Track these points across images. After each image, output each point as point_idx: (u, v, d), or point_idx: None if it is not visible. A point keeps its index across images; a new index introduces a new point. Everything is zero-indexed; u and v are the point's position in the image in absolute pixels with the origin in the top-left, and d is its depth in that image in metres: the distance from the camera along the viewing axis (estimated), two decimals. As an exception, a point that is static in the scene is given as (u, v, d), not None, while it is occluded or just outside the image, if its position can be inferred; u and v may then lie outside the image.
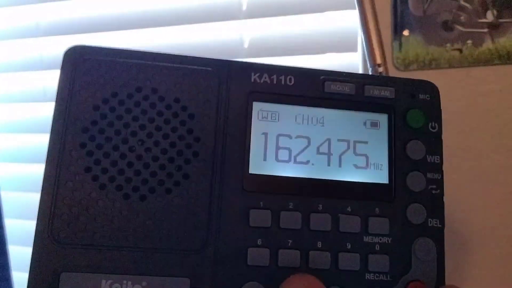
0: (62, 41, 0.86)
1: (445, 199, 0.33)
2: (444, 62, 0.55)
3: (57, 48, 0.87)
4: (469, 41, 0.56)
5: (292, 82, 0.33)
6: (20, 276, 0.85)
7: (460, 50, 0.55)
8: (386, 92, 0.34)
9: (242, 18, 0.75)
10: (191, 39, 0.77)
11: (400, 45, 0.58)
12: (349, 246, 0.31)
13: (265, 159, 0.32)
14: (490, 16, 0.56)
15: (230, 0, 0.75)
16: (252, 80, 0.33)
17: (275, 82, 0.33)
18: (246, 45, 0.75)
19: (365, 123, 0.34)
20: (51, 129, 0.30)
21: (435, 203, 0.33)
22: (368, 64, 0.38)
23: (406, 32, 0.56)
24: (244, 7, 0.75)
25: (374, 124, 0.34)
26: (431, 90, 0.35)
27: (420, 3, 0.58)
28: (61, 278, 0.28)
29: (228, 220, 0.31)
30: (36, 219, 0.29)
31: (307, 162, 0.33)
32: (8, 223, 0.87)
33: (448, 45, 0.56)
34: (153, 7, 0.79)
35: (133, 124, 0.31)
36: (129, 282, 0.29)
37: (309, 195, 0.32)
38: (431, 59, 0.56)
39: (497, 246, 0.52)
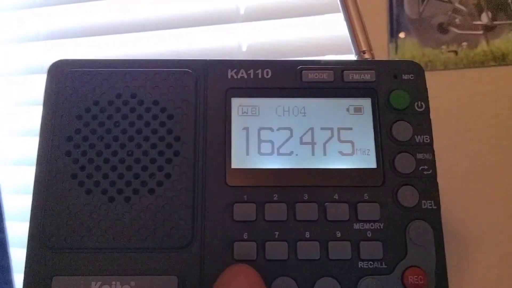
0: (63, 46, 0.88)
1: (440, 180, 0.32)
2: (440, 64, 0.55)
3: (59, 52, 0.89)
4: (464, 43, 0.56)
5: (269, 75, 0.33)
6: (22, 278, 0.87)
7: (456, 52, 0.56)
8: (367, 76, 0.33)
9: (240, 21, 0.75)
10: (189, 43, 0.78)
11: (396, 47, 0.58)
12: (338, 235, 0.30)
13: (247, 154, 0.32)
14: (485, 18, 0.56)
15: (227, 4, 0.76)
16: (229, 76, 0.33)
17: (252, 76, 0.33)
18: (244, 49, 0.75)
19: (348, 109, 0.33)
20: (39, 140, 0.32)
21: (427, 184, 0.31)
22: (354, 52, 0.38)
23: (402, 35, 0.57)
24: (242, 11, 0.75)
25: (358, 109, 0.33)
26: (415, 69, 0.34)
27: (415, 6, 0.58)
28: (53, 282, 0.29)
29: (212, 216, 0.31)
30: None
31: (291, 153, 0.32)
32: (9, 225, 0.89)
33: (444, 47, 0.57)
34: (151, 11, 0.80)
35: (114, 130, 0.32)
36: (118, 283, 0.29)
37: (293, 186, 0.31)
38: (427, 61, 0.56)
39: (493, 246, 0.50)
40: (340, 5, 0.38)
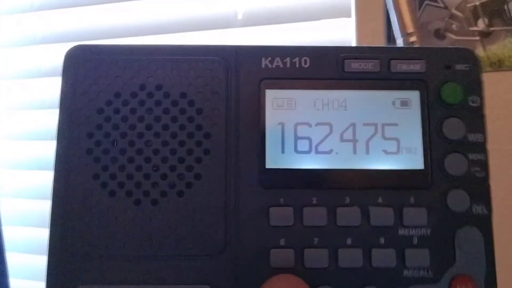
0: (60, 50, 0.86)
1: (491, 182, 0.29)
2: None
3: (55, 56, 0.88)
4: None
5: (308, 64, 0.30)
6: (17, 283, 0.87)
7: None
8: (416, 66, 0.30)
9: (238, 26, 0.74)
10: None
11: None
12: (382, 241, 0.28)
13: (283, 152, 0.30)
14: (481, 24, 0.57)
15: (225, 9, 0.75)
16: (263, 65, 0.30)
17: (288, 65, 0.30)
18: None
19: (394, 103, 0.30)
20: (57, 136, 0.29)
21: (479, 187, 0.29)
22: (399, 34, 0.34)
23: (399, 40, 0.56)
24: (240, 16, 0.74)
25: (405, 103, 0.30)
26: (470, 58, 0.30)
27: (413, 5, 0.56)
28: None
29: (246, 221, 0.28)
30: (38, 227, 0.28)
31: (330, 151, 0.30)
32: (6, 230, 0.87)
33: None
34: (149, 16, 0.79)
35: (139, 125, 0.29)
36: (147, 292, 0.28)
37: (334, 188, 0.29)
38: None
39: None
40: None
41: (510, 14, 0.57)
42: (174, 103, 0.29)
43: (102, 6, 0.82)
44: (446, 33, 0.58)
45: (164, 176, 0.29)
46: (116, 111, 0.29)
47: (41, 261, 0.29)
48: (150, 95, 0.29)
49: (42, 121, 0.90)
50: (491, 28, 0.57)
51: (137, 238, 0.28)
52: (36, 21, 0.90)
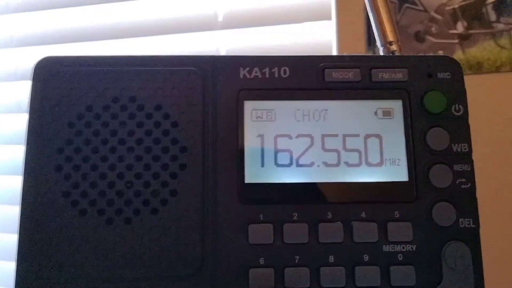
0: (36, 52, 0.85)
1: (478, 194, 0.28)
2: None
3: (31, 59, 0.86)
4: (440, 52, 0.58)
5: (287, 73, 0.29)
6: None
7: None
8: (398, 74, 0.29)
9: (219, 29, 0.74)
10: (167, 51, 0.76)
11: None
12: (366, 258, 0.27)
13: (263, 165, 0.28)
14: (460, 27, 0.58)
15: (206, 11, 0.74)
16: (241, 76, 0.29)
17: (267, 75, 0.29)
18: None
19: (376, 113, 0.29)
20: (25, 152, 0.28)
21: (465, 199, 0.28)
22: (379, 44, 0.34)
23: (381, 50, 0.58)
24: (220, 18, 0.74)
25: (387, 113, 0.29)
26: (452, 66, 0.30)
27: (392, 14, 0.57)
28: None
29: (224, 239, 0.27)
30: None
31: (312, 164, 0.29)
32: None
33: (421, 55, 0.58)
34: (128, 17, 0.78)
35: (111, 139, 0.28)
36: (120, 316, 0.26)
37: (316, 202, 0.28)
38: None
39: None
40: (365, -9, 0.34)
41: (488, 17, 0.57)
42: (149, 116, 0.28)
43: (81, 8, 0.80)
44: (426, 35, 0.59)
45: (137, 193, 0.27)
46: (88, 125, 0.28)
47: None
48: (123, 108, 0.28)
49: (17, 125, 0.88)
50: (470, 31, 0.58)
51: (110, 259, 0.26)
52: (12, 23, 0.88)
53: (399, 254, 0.27)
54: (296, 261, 0.27)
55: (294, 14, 0.69)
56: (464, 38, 0.58)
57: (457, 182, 0.28)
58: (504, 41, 0.56)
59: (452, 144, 0.28)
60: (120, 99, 0.28)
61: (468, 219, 0.28)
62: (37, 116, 0.28)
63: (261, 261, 0.27)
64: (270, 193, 0.28)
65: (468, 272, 0.27)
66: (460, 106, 0.29)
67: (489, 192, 0.53)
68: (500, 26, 0.57)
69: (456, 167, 0.28)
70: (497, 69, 0.54)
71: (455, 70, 0.30)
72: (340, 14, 0.60)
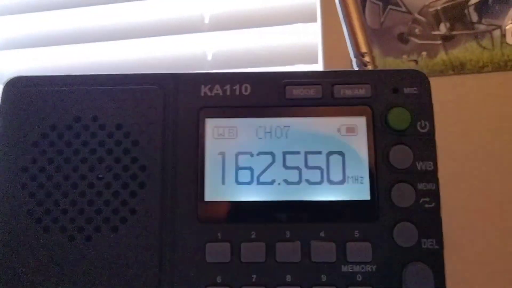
0: (17, 56, 0.82)
1: (442, 214, 0.27)
2: None
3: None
4: (424, 53, 0.57)
5: (248, 91, 0.29)
6: None
7: (416, 61, 0.57)
8: (361, 90, 0.29)
9: (205, 31, 0.73)
10: (153, 53, 0.75)
11: None
12: (324, 279, 0.27)
13: (223, 183, 0.28)
14: (443, 28, 0.58)
15: (192, 13, 0.74)
16: (202, 93, 0.29)
17: (228, 93, 0.29)
18: (209, 58, 0.73)
19: (339, 130, 0.29)
20: None
21: (428, 219, 0.27)
22: (352, 55, 0.33)
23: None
24: (207, 20, 0.73)
25: (351, 130, 0.29)
26: (418, 81, 0.29)
27: (376, 16, 0.60)
28: None
29: (182, 257, 0.27)
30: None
31: (272, 181, 0.28)
32: None
33: (405, 56, 0.58)
34: (114, 20, 0.77)
35: (74, 158, 0.28)
36: (79, 332, 0.27)
37: (275, 221, 0.28)
38: None
39: (475, 252, 0.48)
40: (338, 3, 0.33)
41: (470, 18, 0.56)
42: (110, 135, 0.29)
43: (64, 11, 0.79)
44: (409, 37, 0.58)
45: (98, 211, 0.28)
46: (52, 144, 0.29)
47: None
48: (85, 127, 0.29)
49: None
50: (453, 32, 0.57)
51: (70, 276, 0.27)
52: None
53: (358, 275, 0.27)
54: (253, 280, 0.27)
55: (280, 16, 0.68)
56: (447, 39, 0.57)
57: (420, 201, 0.27)
58: (486, 42, 0.56)
59: (416, 162, 0.28)
60: (82, 119, 0.29)
61: (431, 240, 0.27)
62: (4, 135, 0.29)
63: (218, 279, 0.27)
64: (229, 211, 0.28)
65: None
66: (426, 123, 0.28)
67: (472, 190, 0.52)
68: (482, 27, 0.56)
69: (420, 186, 0.27)
70: (479, 70, 0.54)
71: (423, 84, 0.29)
72: (326, 16, 0.59)
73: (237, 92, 0.29)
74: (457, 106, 0.49)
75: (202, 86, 0.29)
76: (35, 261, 0.27)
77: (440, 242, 0.27)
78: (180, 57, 0.75)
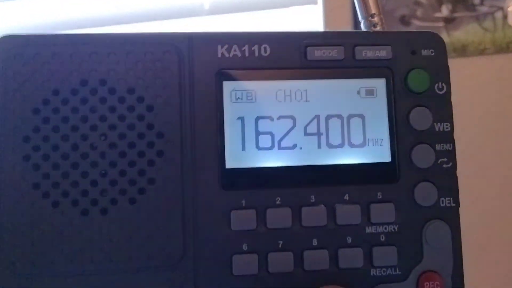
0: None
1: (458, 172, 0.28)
2: None
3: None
4: None
5: (268, 52, 0.28)
6: None
7: None
8: (382, 52, 0.28)
9: (205, 15, 0.72)
10: None
11: None
12: (349, 241, 0.27)
13: (243, 149, 0.27)
14: (445, 11, 0.58)
15: None
16: (219, 54, 0.28)
17: (247, 54, 0.28)
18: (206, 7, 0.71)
19: (359, 92, 0.28)
20: None
21: (447, 178, 0.28)
22: (360, 17, 0.32)
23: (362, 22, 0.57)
24: (207, 6, 0.72)
25: (370, 92, 0.28)
26: (435, 42, 0.29)
27: None
28: None
29: (206, 226, 0.26)
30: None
31: (294, 146, 0.28)
32: None
33: None
34: (112, 5, 0.74)
35: (82, 126, 0.26)
36: (100, 309, 0.25)
37: (298, 186, 0.27)
38: None
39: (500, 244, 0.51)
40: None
41: (472, 0, 0.57)
42: (121, 100, 0.26)
43: None
44: (411, 19, 0.58)
45: (113, 182, 0.26)
46: (55, 110, 0.26)
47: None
48: (93, 91, 0.26)
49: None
50: (454, 14, 0.57)
51: (86, 252, 0.25)
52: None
53: (382, 235, 0.27)
54: (280, 246, 0.27)
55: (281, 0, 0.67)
56: (449, 21, 0.58)
57: (438, 161, 0.28)
58: (488, 24, 0.56)
59: (435, 124, 0.28)
60: (89, 82, 0.26)
61: (449, 198, 0.28)
62: None
63: (244, 247, 0.26)
64: (252, 178, 0.27)
65: (447, 249, 0.28)
66: (443, 84, 0.29)
67: (472, 173, 0.54)
68: (484, 9, 0.57)
69: (438, 147, 0.28)
70: (481, 52, 0.55)
71: (439, 46, 0.29)
72: (326, -1, 0.58)
73: (256, 53, 0.28)
74: (458, 90, 0.50)
75: (219, 47, 0.27)
76: (45, 239, 0.25)
77: (456, 200, 0.28)
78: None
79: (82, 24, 0.74)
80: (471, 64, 0.53)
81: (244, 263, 0.26)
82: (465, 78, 0.50)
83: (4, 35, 0.26)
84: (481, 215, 0.52)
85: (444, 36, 0.57)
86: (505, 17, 0.55)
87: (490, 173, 0.51)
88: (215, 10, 0.71)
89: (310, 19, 0.66)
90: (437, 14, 0.58)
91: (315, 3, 0.64)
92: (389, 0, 0.58)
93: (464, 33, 0.56)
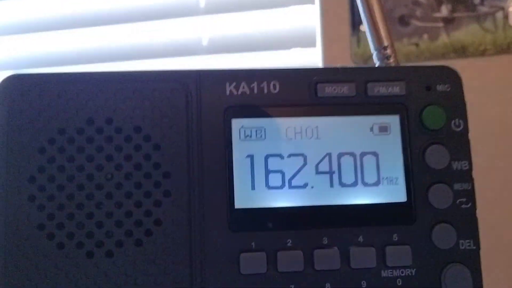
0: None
1: (478, 214, 0.27)
2: (402, 57, 0.54)
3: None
4: (425, 35, 0.56)
5: (277, 89, 0.27)
6: None
7: (417, 45, 0.56)
8: (395, 88, 0.27)
9: (200, 14, 0.71)
10: (149, 38, 0.73)
11: (358, 40, 0.57)
12: (364, 285, 0.26)
13: (253, 188, 0.27)
14: (444, 11, 0.57)
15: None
16: (228, 92, 0.27)
17: (255, 91, 0.27)
18: (205, 43, 0.72)
19: (372, 129, 0.27)
20: None
21: (466, 220, 0.27)
22: (372, 48, 0.32)
23: (364, 27, 0.56)
24: (203, 4, 0.72)
25: (383, 129, 0.28)
26: (451, 77, 0.28)
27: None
28: None
29: (214, 270, 0.25)
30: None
31: (305, 185, 0.27)
32: None
33: (405, 39, 0.56)
34: (107, 4, 0.74)
35: (87, 166, 0.26)
36: None
37: (310, 227, 0.26)
38: None
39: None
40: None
41: (472, 0, 0.56)
42: (127, 139, 0.26)
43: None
44: (410, 19, 0.57)
45: (119, 224, 0.25)
46: (61, 150, 0.26)
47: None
48: (99, 130, 0.26)
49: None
50: (454, 14, 0.56)
51: None
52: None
53: (398, 279, 0.26)
54: None
55: (277, -1, 0.67)
56: (448, 22, 0.57)
57: (457, 202, 0.27)
58: (488, 24, 0.55)
59: (452, 162, 0.27)
60: (96, 121, 0.26)
61: (469, 241, 0.27)
62: (4, 140, 0.25)
63: None
64: (262, 219, 0.26)
65: None
66: (460, 121, 0.28)
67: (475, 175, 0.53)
68: (484, 9, 0.56)
69: (456, 186, 0.27)
70: (482, 53, 0.53)
71: (455, 81, 0.28)
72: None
73: (265, 90, 0.27)
74: None
75: (227, 84, 0.27)
76: (49, 281, 0.25)
77: (477, 242, 0.27)
78: (175, 41, 0.73)
79: (71, 25, 0.74)
80: (471, 65, 0.52)
81: None
82: (466, 80, 0.49)
83: (12, 75, 0.26)
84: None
85: (444, 36, 0.55)
86: (506, 17, 0.54)
87: (489, 174, 0.50)
88: (212, 10, 0.71)
89: (307, 19, 0.66)
90: (437, 14, 0.57)
91: (313, 2, 0.63)
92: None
93: (464, 33, 0.55)
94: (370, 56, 0.53)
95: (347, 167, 0.27)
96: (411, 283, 0.26)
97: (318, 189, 0.27)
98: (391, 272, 0.26)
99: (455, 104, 0.28)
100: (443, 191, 0.27)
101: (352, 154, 0.27)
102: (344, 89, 0.27)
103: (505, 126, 0.51)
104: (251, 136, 0.27)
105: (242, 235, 0.26)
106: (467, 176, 0.27)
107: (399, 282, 0.26)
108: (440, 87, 0.28)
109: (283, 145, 0.27)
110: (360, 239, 0.26)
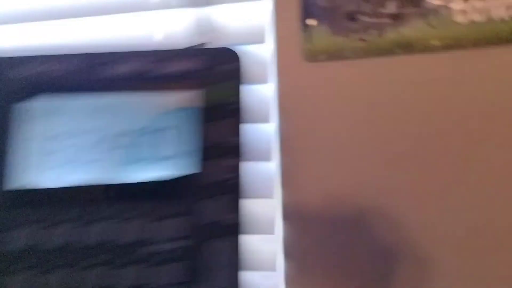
0: None
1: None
2: (351, 53, 0.54)
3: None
4: (373, 31, 0.56)
5: (65, 69, 0.28)
6: None
7: (365, 40, 0.55)
8: (185, 66, 0.29)
9: (152, 9, 0.68)
10: (97, 32, 0.71)
11: (308, 35, 0.56)
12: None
13: (27, 169, 0.27)
14: (391, 7, 0.56)
15: None
16: (12, 76, 0.28)
17: (37, 72, 0.28)
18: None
19: (163, 106, 0.28)
20: None
21: (229, 193, 0.26)
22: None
23: (314, 22, 0.55)
24: None
25: (178, 105, 0.28)
26: (230, 58, 0.29)
27: None
28: None
29: None
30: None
31: (93, 161, 0.27)
32: None
33: (354, 35, 0.56)
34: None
35: None
36: None
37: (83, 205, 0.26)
38: (338, 50, 0.55)
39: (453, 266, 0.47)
40: None
41: None
42: None
43: None
44: (359, 15, 0.57)
45: None
46: None
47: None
48: None
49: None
50: (401, 11, 0.56)
51: None
52: None
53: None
54: None
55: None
56: (395, 18, 0.57)
57: (226, 176, 0.27)
58: (434, 20, 0.55)
59: (227, 138, 0.27)
60: None
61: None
62: None
63: None
64: (30, 198, 0.27)
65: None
66: (237, 98, 0.28)
67: (422, 172, 0.51)
68: (430, 5, 0.56)
69: (225, 162, 0.27)
70: (428, 49, 0.54)
71: (234, 61, 0.28)
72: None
73: (53, 72, 0.28)
74: (405, 87, 0.49)
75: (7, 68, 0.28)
76: None
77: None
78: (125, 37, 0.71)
79: (21, 19, 0.72)
80: (417, 61, 0.51)
81: None
82: (411, 76, 0.49)
83: None
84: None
85: (391, 32, 0.55)
86: (451, 14, 0.54)
87: (440, 171, 0.48)
88: (164, 5, 0.70)
89: (259, 14, 0.65)
90: (384, 10, 0.57)
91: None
92: (336, -5, 0.59)
93: (411, 30, 0.55)
94: (319, 51, 0.54)
95: (125, 144, 0.27)
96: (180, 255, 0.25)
97: (103, 166, 0.27)
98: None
99: (234, 82, 0.28)
100: (213, 166, 0.27)
101: (147, 130, 0.28)
102: (135, 66, 0.28)
103: (447, 123, 0.50)
104: (32, 117, 0.28)
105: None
106: (235, 151, 0.27)
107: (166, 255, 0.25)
108: (223, 67, 0.28)
109: (75, 123, 0.28)
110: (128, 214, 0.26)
